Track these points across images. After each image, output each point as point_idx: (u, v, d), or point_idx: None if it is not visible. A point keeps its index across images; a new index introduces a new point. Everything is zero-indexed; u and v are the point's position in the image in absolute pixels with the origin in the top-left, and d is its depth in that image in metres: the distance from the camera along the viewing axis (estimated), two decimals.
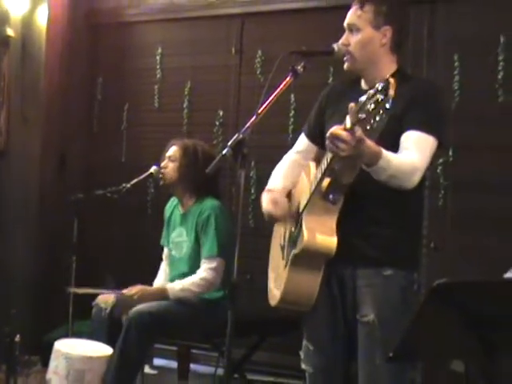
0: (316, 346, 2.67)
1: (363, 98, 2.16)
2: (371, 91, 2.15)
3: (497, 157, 3.91)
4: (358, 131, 2.22)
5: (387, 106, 2.13)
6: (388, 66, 2.61)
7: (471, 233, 3.97)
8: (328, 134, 2.26)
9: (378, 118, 2.14)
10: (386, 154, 2.36)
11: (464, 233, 3.99)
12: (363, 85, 2.65)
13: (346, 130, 2.22)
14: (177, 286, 3.65)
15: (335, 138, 2.24)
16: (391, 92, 2.13)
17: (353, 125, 2.20)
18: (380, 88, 2.14)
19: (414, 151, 2.46)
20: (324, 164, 2.41)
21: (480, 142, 3.96)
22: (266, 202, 2.68)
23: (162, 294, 3.64)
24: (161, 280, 3.91)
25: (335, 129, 2.25)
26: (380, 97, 2.13)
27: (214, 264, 3.64)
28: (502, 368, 1.77)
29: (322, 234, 2.49)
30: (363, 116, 2.15)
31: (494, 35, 3.93)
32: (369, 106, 2.14)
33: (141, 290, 3.67)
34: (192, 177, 3.77)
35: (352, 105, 2.20)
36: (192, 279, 3.64)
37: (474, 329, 1.77)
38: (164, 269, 3.96)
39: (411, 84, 2.52)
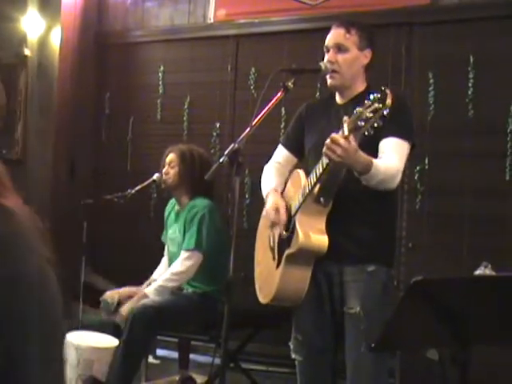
0: (304, 337, 2.67)
1: (360, 108, 2.19)
2: (367, 101, 2.19)
3: (468, 164, 3.92)
4: (353, 141, 2.24)
5: (385, 113, 2.16)
6: (362, 84, 2.64)
7: (445, 233, 3.98)
8: (328, 141, 2.27)
9: (375, 125, 2.17)
10: (376, 161, 2.38)
11: (439, 233, 4.00)
12: (338, 100, 2.66)
13: (344, 137, 2.24)
14: (151, 288, 3.61)
15: (334, 143, 2.25)
16: (389, 101, 2.16)
17: (350, 132, 2.21)
18: (377, 98, 2.17)
19: (393, 155, 2.48)
20: (320, 169, 2.41)
21: (453, 151, 3.98)
22: (271, 204, 2.66)
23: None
24: (159, 272, 3.90)
25: (334, 135, 2.27)
26: (378, 105, 2.15)
27: (188, 255, 3.59)
28: (472, 356, 1.78)
29: (316, 234, 2.50)
30: (362, 124, 2.18)
31: (465, 55, 3.96)
32: (368, 114, 2.16)
33: (128, 307, 3.53)
34: (191, 179, 3.77)
35: (345, 118, 2.23)
36: (164, 277, 3.62)
37: (448, 321, 1.77)
38: (164, 263, 3.95)
39: None
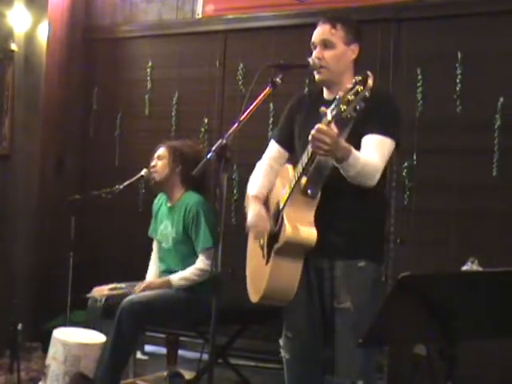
0: (294, 334, 2.66)
1: (341, 93, 2.18)
2: (349, 85, 2.18)
3: (455, 160, 3.94)
4: (334, 128, 2.24)
5: (367, 94, 2.15)
6: (349, 79, 2.62)
7: (433, 229, 4.00)
8: (313, 131, 2.27)
9: (358, 107, 2.16)
10: (355, 151, 2.38)
11: (426, 229, 4.01)
12: (326, 95, 2.66)
13: (327, 123, 2.24)
14: (178, 276, 3.65)
15: (319, 132, 2.24)
16: (370, 82, 2.15)
17: (333, 117, 2.21)
18: (358, 80, 2.16)
19: (374, 153, 2.47)
20: (304, 161, 2.41)
21: (441, 147, 3.99)
22: (252, 216, 2.67)
23: (166, 285, 3.65)
24: (152, 272, 3.89)
25: (319, 125, 2.26)
26: (359, 87, 2.15)
27: (210, 254, 3.59)
28: (459, 350, 1.79)
29: (303, 226, 2.48)
30: (344, 107, 2.17)
31: (453, 51, 3.97)
32: (349, 97, 2.16)
33: (147, 284, 3.67)
34: (180, 174, 3.76)
35: (323, 109, 2.22)
36: (190, 269, 3.64)
37: (435, 316, 1.78)
38: (154, 261, 3.93)
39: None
